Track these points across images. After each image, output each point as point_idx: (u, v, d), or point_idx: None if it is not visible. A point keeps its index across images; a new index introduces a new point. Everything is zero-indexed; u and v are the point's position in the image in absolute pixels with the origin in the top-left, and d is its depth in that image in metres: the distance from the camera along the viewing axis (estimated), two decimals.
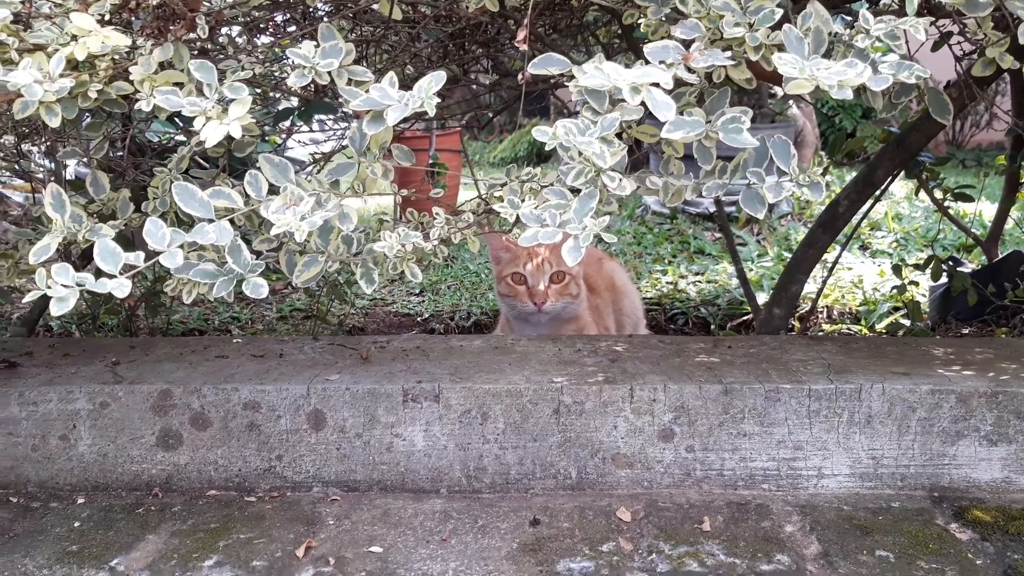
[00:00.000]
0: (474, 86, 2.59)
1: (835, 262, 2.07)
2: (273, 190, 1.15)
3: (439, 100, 1.06)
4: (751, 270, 3.30)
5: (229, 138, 1.43)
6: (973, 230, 4.10)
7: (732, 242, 2.23)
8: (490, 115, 1.96)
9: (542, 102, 10.61)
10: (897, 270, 2.17)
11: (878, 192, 1.91)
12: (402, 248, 1.25)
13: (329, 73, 1.04)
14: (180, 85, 1.14)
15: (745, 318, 2.86)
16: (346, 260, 1.28)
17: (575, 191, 1.09)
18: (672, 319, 2.94)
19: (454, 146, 4.19)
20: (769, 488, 1.48)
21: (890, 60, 1.01)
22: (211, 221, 1.09)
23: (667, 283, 3.22)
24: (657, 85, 0.92)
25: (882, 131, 2.27)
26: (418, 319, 3.10)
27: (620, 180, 1.04)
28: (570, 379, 1.50)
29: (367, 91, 1.04)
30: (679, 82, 1.16)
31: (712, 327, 2.84)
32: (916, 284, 2.16)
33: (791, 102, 4.14)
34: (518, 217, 1.12)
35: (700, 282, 3.22)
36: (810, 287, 2.63)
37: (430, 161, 3.74)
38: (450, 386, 1.49)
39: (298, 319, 3.18)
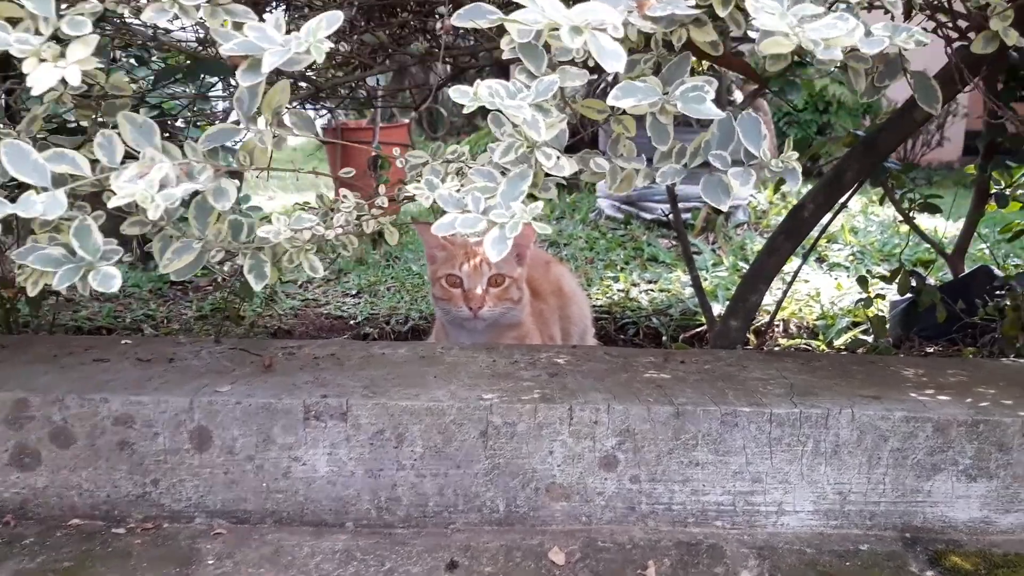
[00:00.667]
0: (422, 71, 2.37)
1: (796, 273, 1.92)
2: (134, 157, 0.93)
3: (380, 86, 0.85)
4: (706, 279, 3.15)
5: (100, 98, 1.20)
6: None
7: (687, 248, 2.06)
8: (428, 93, 1.75)
9: None
10: (863, 282, 2.02)
11: (846, 197, 1.75)
12: (296, 236, 1.03)
13: (198, 7, 0.82)
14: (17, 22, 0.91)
15: (699, 330, 2.70)
16: (231, 249, 1.06)
17: (506, 173, 0.90)
18: (622, 329, 2.76)
19: (401, 140, 3.97)
20: (723, 525, 1.30)
21: (884, 23, 0.84)
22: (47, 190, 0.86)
23: (618, 291, 3.05)
24: (604, 31, 0.72)
25: (849, 135, 2.13)
26: (351, 322, 2.87)
27: (557, 158, 0.84)
28: (502, 396, 1.30)
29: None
30: (632, 49, 0.97)
31: (664, 338, 2.67)
32: (882, 297, 2.02)
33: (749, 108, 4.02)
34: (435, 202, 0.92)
35: (653, 291, 3.05)
36: (767, 299, 2.49)
37: (373, 153, 3.50)
38: (361, 402, 1.27)
39: (219, 319, 2.92)
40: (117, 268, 0.92)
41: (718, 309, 2.76)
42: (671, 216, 3.77)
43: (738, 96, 4.21)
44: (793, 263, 3.50)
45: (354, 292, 3.21)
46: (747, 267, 3.37)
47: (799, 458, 1.29)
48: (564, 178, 0.94)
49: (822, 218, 1.72)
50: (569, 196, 4.43)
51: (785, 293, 1.93)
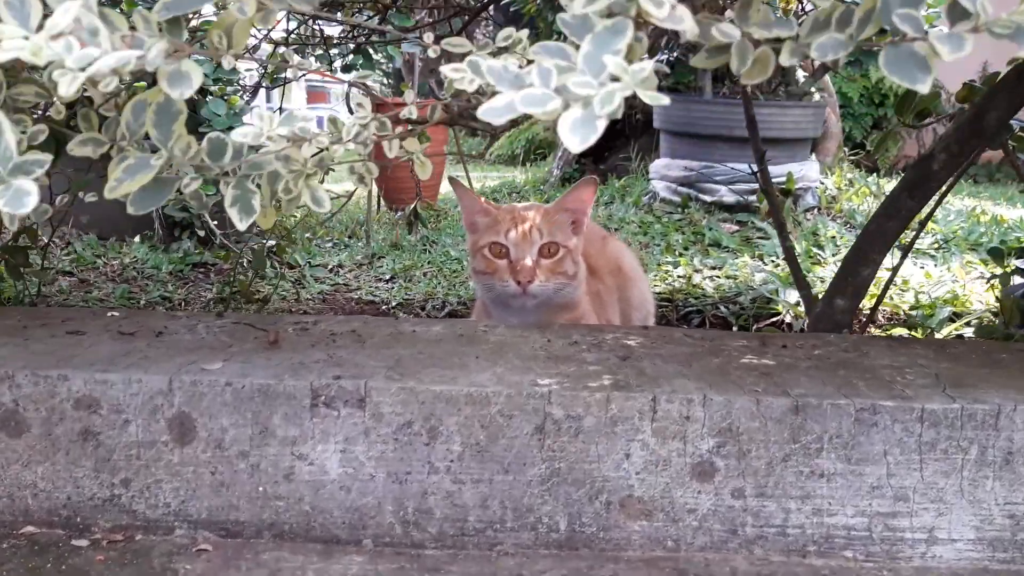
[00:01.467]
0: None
1: (911, 243, 1.59)
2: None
3: None
4: (776, 265, 2.82)
5: None
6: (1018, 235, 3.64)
7: (779, 213, 1.74)
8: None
9: None
10: (997, 255, 1.68)
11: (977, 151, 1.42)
12: (291, 156, 0.76)
13: None
14: None
15: (775, 319, 2.37)
16: (207, 172, 0.79)
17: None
18: (685, 318, 2.45)
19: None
20: (855, 556, 0.99)
21: None
22: None
23: (679, 277, 2.73)
24: None
25: (965, 86, 1.79)
26: (383, 308, 2.60)
27: (671, 6, 0.55)
28: (563, 382, 1.01)
29: None
30: None
31: (734, 328, 2.35)
32: (1009, 276, 1.67)
33: (821, 83, 3.67)
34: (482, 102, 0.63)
35: (718, 277, 2.73)
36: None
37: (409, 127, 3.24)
38: (384, 385, 0.99)
39: (240, 302, 2.68)
40: (36, 185, 0.65)
41: (795, 296, 2.43)
42: (738, 198, 3.44)
43: (800, 76, 3.87)
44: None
45: (388, 277, 2.95)
46: (821, 253, 3.05)
47: (958, 469, 0.97)
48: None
49: (955, 172, 1.40)
50: (619, 180, 4.12)
51: (897, 268, 1.60)
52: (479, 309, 1.82)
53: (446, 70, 0.67)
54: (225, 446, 1.01)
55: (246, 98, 3.55)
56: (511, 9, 6.99)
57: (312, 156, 0.83)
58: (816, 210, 3.48)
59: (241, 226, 0.78)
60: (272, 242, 3.21)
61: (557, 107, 0.55)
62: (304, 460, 1.00)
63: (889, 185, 4.58)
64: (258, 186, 0.83)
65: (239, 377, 1.01)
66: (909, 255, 3.13)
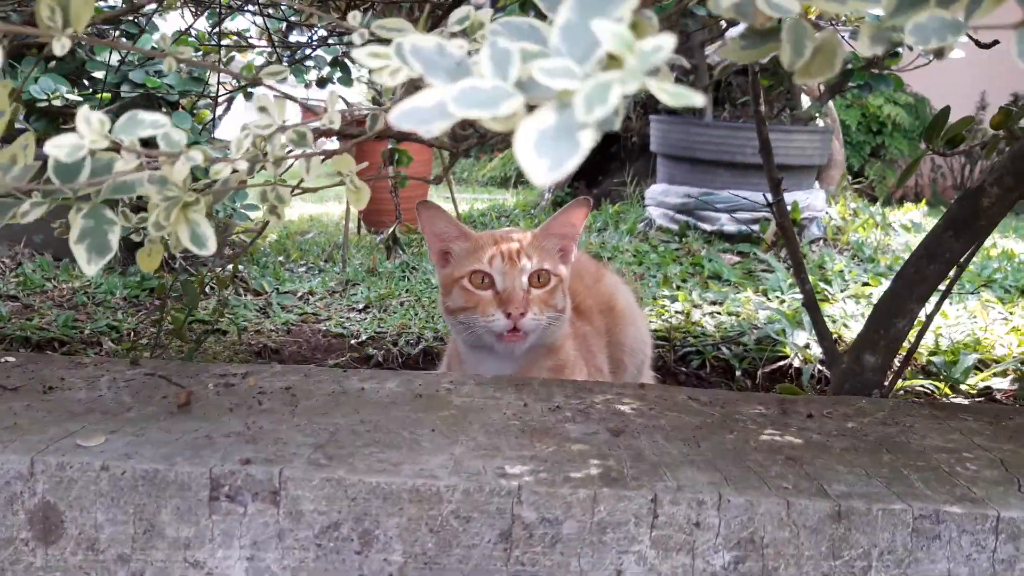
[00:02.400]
0: None
1: (949, 288, 1.38)
2: None
3: None
4: (782, 302, 2.61)
5: None
6: None
7: (796, 250, 1.53)
8: None
9: None
10: None
11: None
12: (159, 173, 0.54)
13: None
14: None
15: (782, 363, 2.16)
16: (58, 193, 0.57)
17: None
18: (684, 359, 2.23)
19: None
20: None
21: None
22: None
23: (677, 312, 2.52)
24: None
25: (1001, 111, 1.59)
26: (352, 341, 2.37)
27: None
28: (538, 470, 0.79)
29: None
30: None
31: (737, 373, 2.13)
32: None
33: (825, 108, 3.49)
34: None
35: (719, 313, 2.52)
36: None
37: (389, 146, 3.03)
38: (304, 474, 0.77)
39: (199, 332, 2.45)
40: None
41: (803, 338, 2.22)
42: (740, 227, 3.23)
43: (805, 101, 3.69)
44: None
45: (361, 306, 2.73)
46: (829, 288, 2.85)
47: None
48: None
49: (1009, 209, 1.19)
50: (613, 206, 3.92)
51: (931, 318, 1.39)
52: (450, 355, 1.60)
53: (360, 54, 0.45)
54: (100, 547, 0.78)
55: (217, 112, 3.35)
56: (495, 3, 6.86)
57: (213, 180, 0.61)
58: (822, 242, 3.28)
59: (88, 270, 0.56)
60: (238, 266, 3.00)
61: (516, 108, 0.33)
62: (200, 568, 0.78)
63: (895, 215, 4.40)
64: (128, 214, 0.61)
65: (120, 459, 0.78)
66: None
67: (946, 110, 1.53)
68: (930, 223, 4.51)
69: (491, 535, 0.76)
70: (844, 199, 3.97)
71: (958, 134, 1.57)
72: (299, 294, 2.88)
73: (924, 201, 5.19)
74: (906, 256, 3.29)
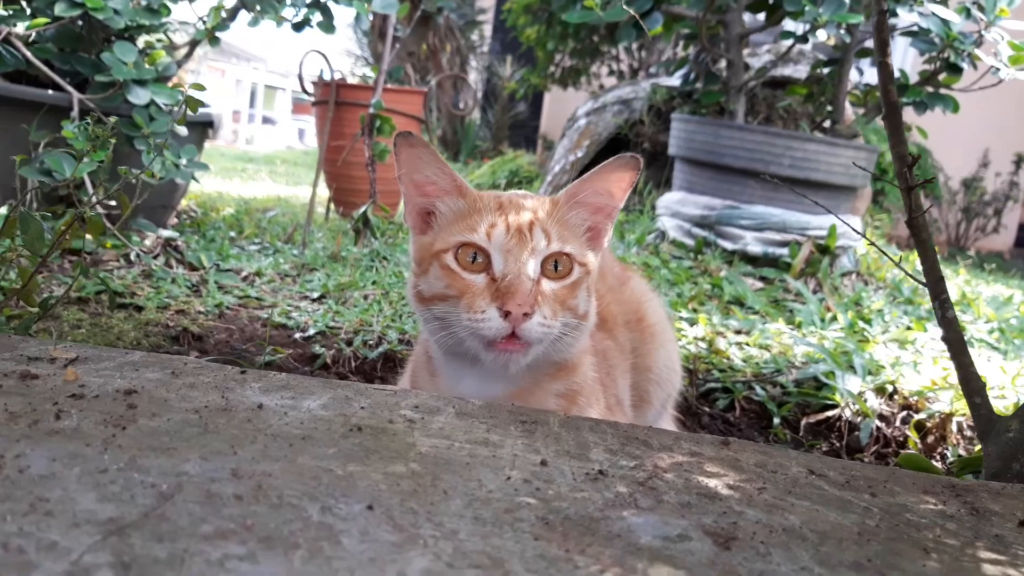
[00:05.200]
0: None
1: None
2: None
3: None
4: (822, 338, 2.19)
5: None
6: None
7: (933, 260, 1.09)
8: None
9: (527, 132, 9.63)
10: None
11: None
12: None
13: None
14: None
15: (830, 414, 1.73)
16: None
17: None
18: (708, 396, 1.79)
19: (413, 110, 3.04)
20: None
21: None
22: None
23: (697, 339, 2.08)
24: None
25: None
26: (297, 335, 1.90)
27: None
28: None
29: None
30: None
31: (775, 420, 1.70)
32: None
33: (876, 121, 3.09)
34: None
35: (747, 345, 2.08)
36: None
37: (370, 111, 2.56)
38: None
39: (109, 304, 1.97)
40: None
41: (857, 385, 1.79)
42: (766, 249, 2.80)
43: (851, 113, 3.30)
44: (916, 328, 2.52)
45: (316, 295, 2.25)
46: (868, 328, 2.43)
47: None
48: None
49: None
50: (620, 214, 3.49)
51: None
52: (418, 363, 1.14)
53: None
54: None
55: (176, 56, 2.87)
56: (509, 36, 6.38)
57: None
58: (855, 275, 2.86)
59: None
60: (168, 233, 2.51)
61: None
62: None
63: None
64: None
65: None
66: (969, 344, 2.52)
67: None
68: (946, 271, 4.17)
69: None
70: (870, 234, 3.59)
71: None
72: (244, 274, 2.41)
73: (936, 249, 4.83)
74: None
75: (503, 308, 0.91)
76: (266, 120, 19.81)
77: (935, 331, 2.50)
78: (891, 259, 1.06)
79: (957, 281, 3.94)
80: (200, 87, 1.69)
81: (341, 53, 9.91)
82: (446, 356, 1.03)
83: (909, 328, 2.46)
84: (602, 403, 1.16)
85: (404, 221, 1.08)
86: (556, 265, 0.98)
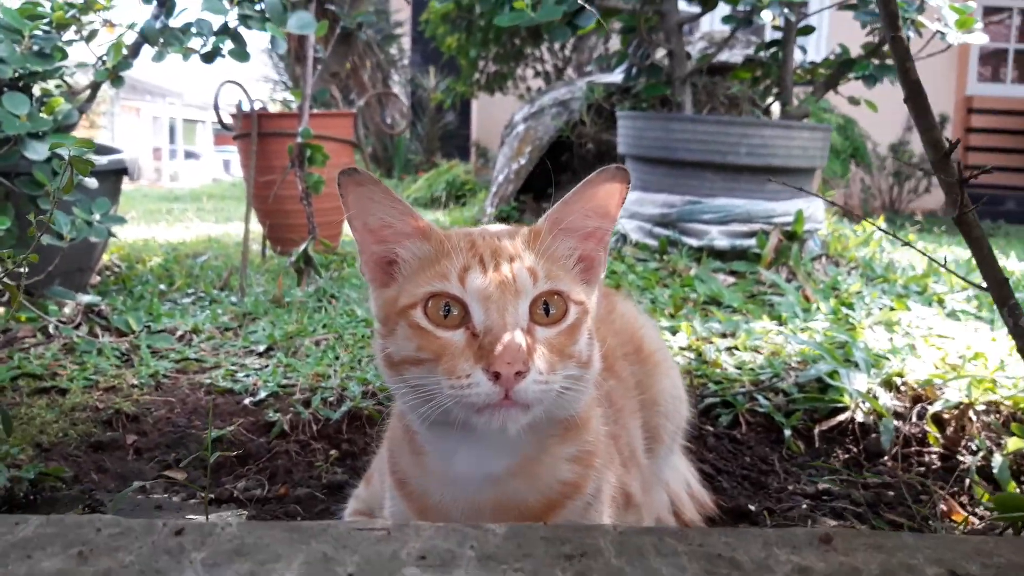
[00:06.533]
0: None
1: None
2: None
3: None
4: (810, 332, 2.06)
5: None
6: None
7: (995, 267, 0.95)
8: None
9: (459, 142, 9.45)
10: None
11: None
12: None
13: None
14: None
15: (840, 418, 1.59)
16: None
17: None
18: (708, 412, 1.65)
19: (344, 134, 2.83)
20: None
21: None
22: None
23: (683, 349, 1.94)
24: None
25: None
26: (247, 401, 1.69)
27: None
28: None
29: None
30: None
31: (786, 431, 1.56)
32: None
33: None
34: None
35: (736, 349, 1.95)
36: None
37: (298, 140, 2.35)
38: None
39: (28, 390, 1.72)
40: None
41: (863, 382, 1.67)
42: (733, 241, 2.66)
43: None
44: (917, 309, 2.43)
45: (262, 348, 2.04)
46: (852, 314, 2.31)
47: None
48: None
49: None
50: None
51: None
52: (396, 441, 0.95)
53: None
54: None
55: (76, 102, 2.61)
56: (430, 47, 6.19)
57: None
58: (823, 258, 2.77)
59: None
60: (89, 298, 2.25)
61: None
62: None
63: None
64: None
65: None
66: (945, 313, 2.44)
67: None
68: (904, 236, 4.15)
69: None
70: (828, 213, 3.52)
71: None
72: (179, 333, 2.17)
73: (883, 218, 4.83)
74: (921, 274, 2.82)
75: (490, 369, 0.74)
76: (189, 155, 19.21)
77: (919, 310, 2.42)
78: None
79: (917, 247, 3.91)
80: (89, 144, 1.48)
81: (258, 80, 9.57)
82: (434, 431, 0.85)
83: (892, 309, 2.37)
84: (616, 461, 0.99)
85: (361, 273, 0.89)
86: (547, 308, 0.82)
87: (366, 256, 0.87)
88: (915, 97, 0.91)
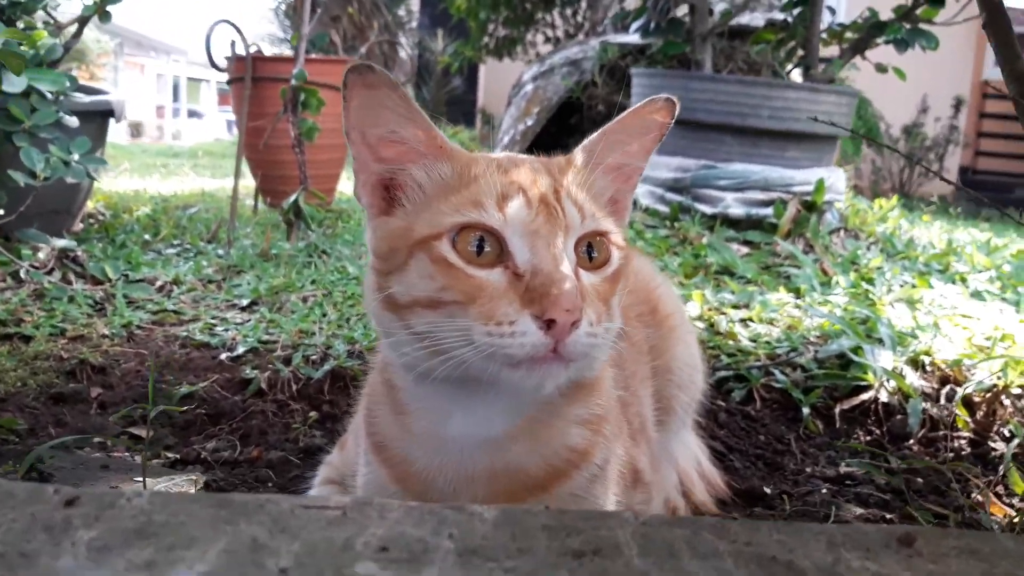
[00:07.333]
0: None
1: None
2: None
3: None
4: (830, 305, 1.94)
5: None
6: None
7: None
8: None
9: (465, 108, 9.24)
10: None
11: None
12: None
13: None
14: None
15: (863, 397, 1.47)
16: None
17: None
18: (720, 386, 1.52)
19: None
20: None
21: None
22: None
23: (694, 319, 1.81)
24: None
25: None
26: (224, 357, 1.57)
27: None
28: None
29: None
30: None
31: (804, 410, 1.44)
32: None
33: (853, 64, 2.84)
34: None
35: (750, 321, 1.82)
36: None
37: (292, 83, 2.21)
38: None
39: None
40: None
41: (889, 359, 1.55)
42: (748, 210, 2.51)
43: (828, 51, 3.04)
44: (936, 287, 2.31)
45: (245, 302, 1.91)
46: (872, 290, 2.17)
47: None
48: None
49: None
50: None
51: None
52: (375, 398, 0.83)
53: None
54: None
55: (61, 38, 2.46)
56: (439, 8, 5.98)
57: None
58: (841, 231, 2.63)
59: None
60: (64, 242, 2.12)
61: None
62: None
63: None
64: None
65: None
66: (970, 293, 2.31)
67: None
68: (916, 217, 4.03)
69: None
70: (848, 187, 3.37)
71: None
72: (159, 283, 2.05)
73: (896, 197, 4.68)
74: (941, 252, 2.69)
75: (543, 316, 0.62)
76: (192, 114, 18.93)
77: (941, 288, 2.29)
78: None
79: (934, 229, 3.77)
80: (70, 78, 1.33)
81: (262, 38, 9.36)
82: (427, 387, 0.72)
83: (914, 286, 2.24)
84: (625, 431, 0.87)
85: (355, 197, 0.77)
86: (590, 250, 0.70)
87: (364, 176, 0.73)
88: (995, 22, 0.77)
